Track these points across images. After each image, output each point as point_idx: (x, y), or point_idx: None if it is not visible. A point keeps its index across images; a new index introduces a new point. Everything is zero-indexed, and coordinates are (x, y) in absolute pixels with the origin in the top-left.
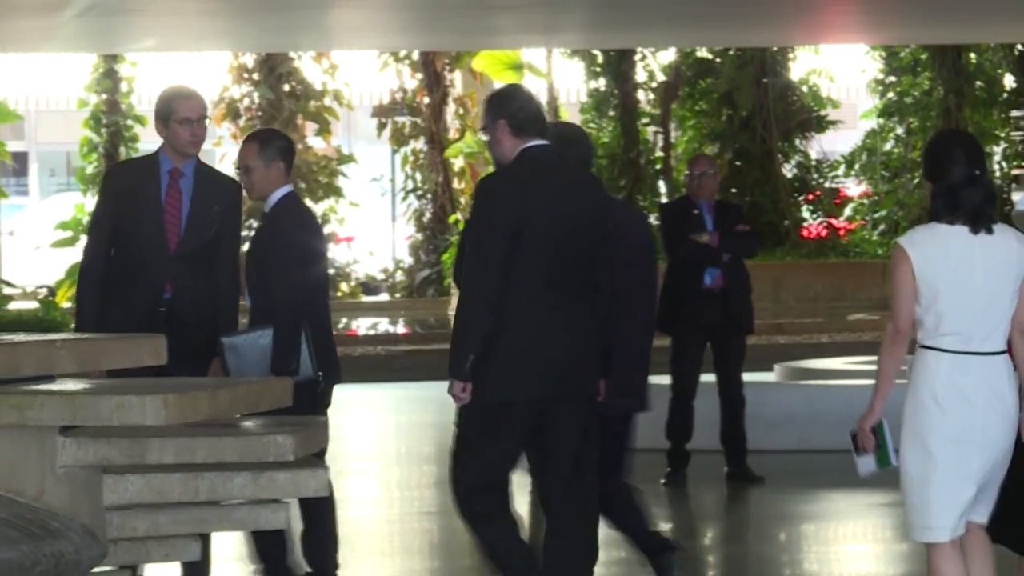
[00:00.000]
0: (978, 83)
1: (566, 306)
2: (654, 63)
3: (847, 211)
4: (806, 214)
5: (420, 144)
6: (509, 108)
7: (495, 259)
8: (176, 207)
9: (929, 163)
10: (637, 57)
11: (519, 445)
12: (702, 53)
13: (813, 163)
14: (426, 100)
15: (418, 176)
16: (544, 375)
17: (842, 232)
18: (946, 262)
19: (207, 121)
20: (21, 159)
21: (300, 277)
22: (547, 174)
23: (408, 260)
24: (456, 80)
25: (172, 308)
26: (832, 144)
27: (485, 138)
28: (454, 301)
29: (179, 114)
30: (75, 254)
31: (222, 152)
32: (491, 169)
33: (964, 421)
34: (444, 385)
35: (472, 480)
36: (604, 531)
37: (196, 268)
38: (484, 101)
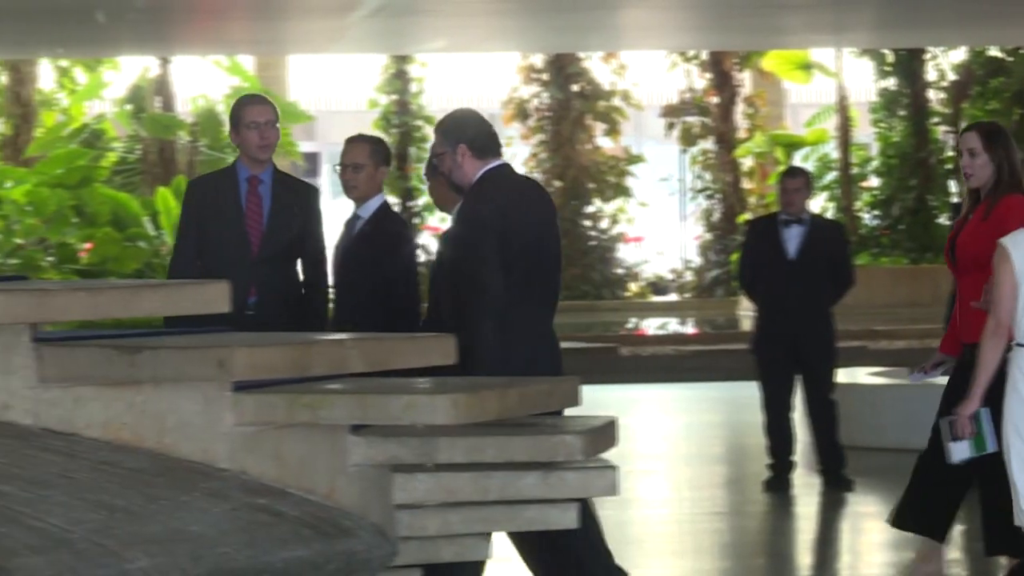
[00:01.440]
0: None
1: (544, 316)
2: (944, 62)
3: None
4: None
5: (709, 144)
6: (468, 132)
7: (495, 287)
8: (257, 212)
9: None
10: (927, 56)
11: None
12: (993, 52)
13: None
14: (715, 100)
15: (707, 176)
16: None
17: None
18: None
19: (277, 126)
20: (312, 159)
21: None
22: (517, 192)
23: (697, 260)
24: (745, 79)
25: (259, 311)
26: None
27: (436, 163)
28: (743, 302)
29: (247, 118)
30: None
31: (511, 152)
32: (781, 168)
33: None
34: (734, 386)
35: None
36: (892, 532)
37: (280, 271)
38: (437, 127)
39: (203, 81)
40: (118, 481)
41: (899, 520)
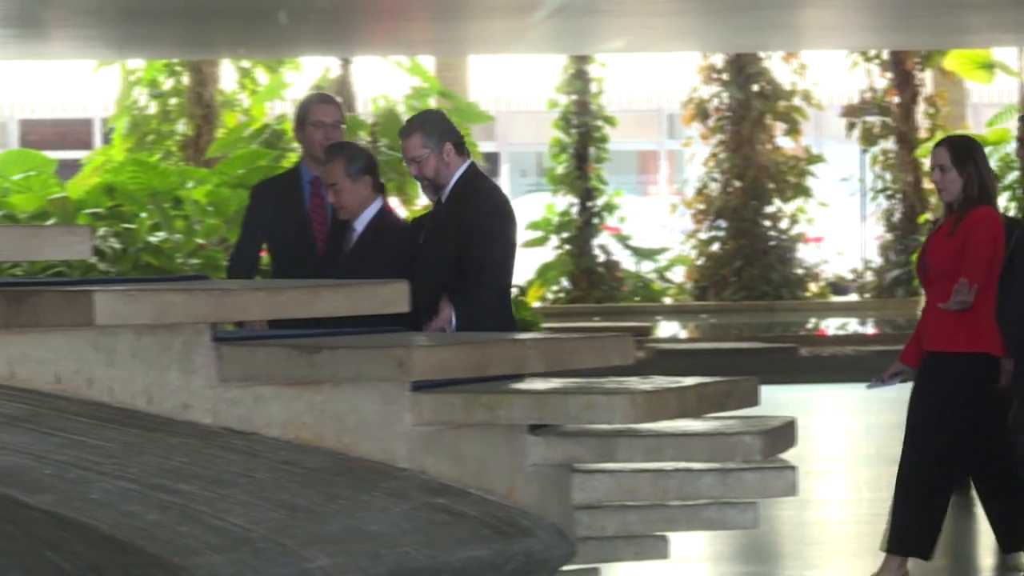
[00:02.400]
0: None
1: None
2: None
3: None
4: None
5: (890, 143)
6: (452, 131)
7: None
8: (321, 213)
9: None
10: None
11: None
12: None
13: None
14: (896, 99)
15: (888, 176)
16: None
17: None
18: None
19: (343, 127)
20: (493, 159)
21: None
22: (499, 187)
23: (877, 260)
24: (926, 79)
25: None
26: None
27: (420, 163)
28: (922, 301)
29: (314, 117)
30: (546, 254)
31: (691, 152)
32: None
33: None
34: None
35: None
36: None
37: None
38: (414, 129)
39: (383, 81)
40: (298, 480)
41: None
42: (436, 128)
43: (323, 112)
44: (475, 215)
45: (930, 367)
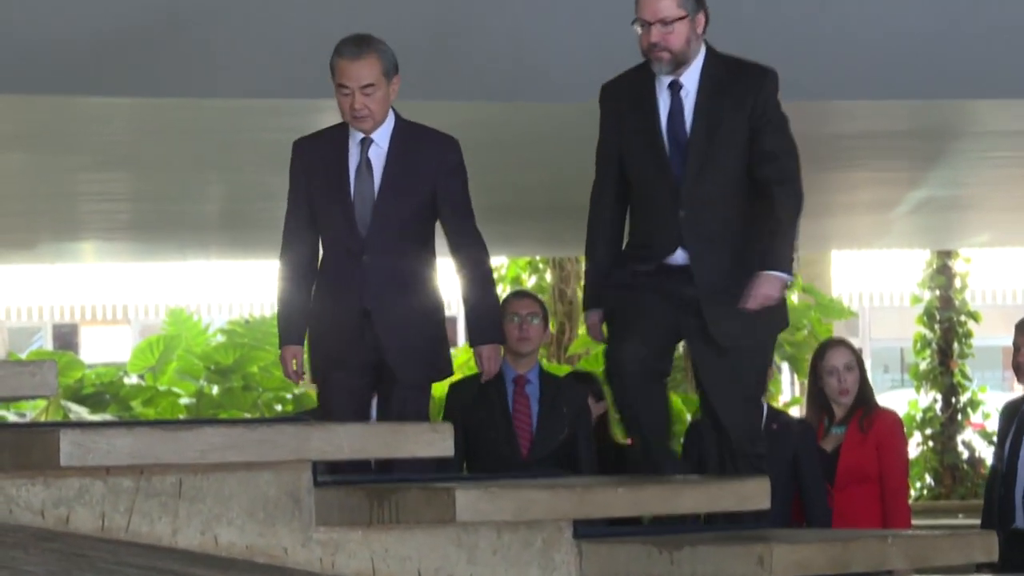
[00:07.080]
0: None
1: None
2: None
3: None
4: None
5: None
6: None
7: None
8: (526, 413)
9: None
10: None
11: None
12: None
13: None
14: None
15: None
16: None
17: None
18: None
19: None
20: None
21: None
22: None
23: None
24: None
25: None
26: None
27: (667, 22)
28: None
29: (510, 309)
30: (909, 451)
31: None
32: None
33: None
34: None
35: None
36: None
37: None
38: None
39: None
40: None
41: None
42: None
43: (520, 305)
44: None
45: None
